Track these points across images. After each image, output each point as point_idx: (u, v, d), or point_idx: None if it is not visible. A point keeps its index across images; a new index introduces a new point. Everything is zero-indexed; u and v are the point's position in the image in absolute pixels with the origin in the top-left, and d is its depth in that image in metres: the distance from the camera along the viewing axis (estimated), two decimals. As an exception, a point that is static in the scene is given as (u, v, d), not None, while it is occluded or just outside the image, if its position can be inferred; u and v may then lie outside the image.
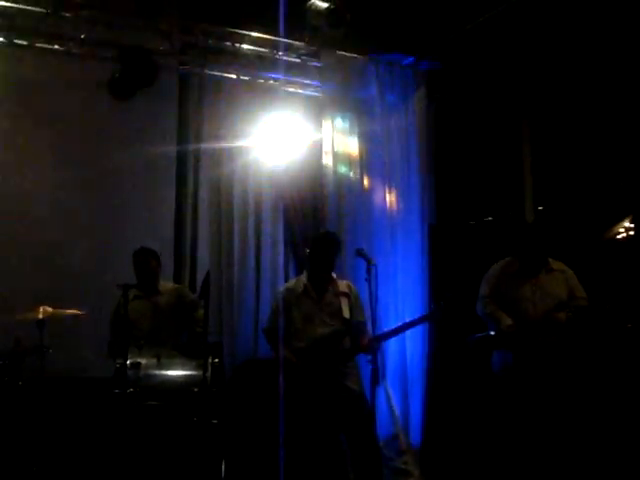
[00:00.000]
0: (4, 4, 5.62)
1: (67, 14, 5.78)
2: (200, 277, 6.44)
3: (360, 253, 4.80)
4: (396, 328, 4.99)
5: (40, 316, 4.95)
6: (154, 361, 4.88)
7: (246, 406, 5.62)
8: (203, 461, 4.85)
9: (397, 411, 6.20)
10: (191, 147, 6.73)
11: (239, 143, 6.53)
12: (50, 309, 5.03)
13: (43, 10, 5.71)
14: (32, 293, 5.28)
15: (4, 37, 5.83)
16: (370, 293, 4.61)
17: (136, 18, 5.99)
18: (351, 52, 6.57)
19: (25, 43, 5.91)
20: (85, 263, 6.21)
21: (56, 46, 5.98)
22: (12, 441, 4.86)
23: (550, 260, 5.33)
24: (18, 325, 5.07)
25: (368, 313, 4.75)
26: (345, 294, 5.02)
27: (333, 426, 4.97)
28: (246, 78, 6.50)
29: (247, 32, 6.29)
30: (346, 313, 4.93)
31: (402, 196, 6.58)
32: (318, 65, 6.55)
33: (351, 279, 5.50)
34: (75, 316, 5.08)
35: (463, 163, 7.01)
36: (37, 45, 5.93)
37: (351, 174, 6.45)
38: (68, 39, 5.95)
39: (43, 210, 6.27)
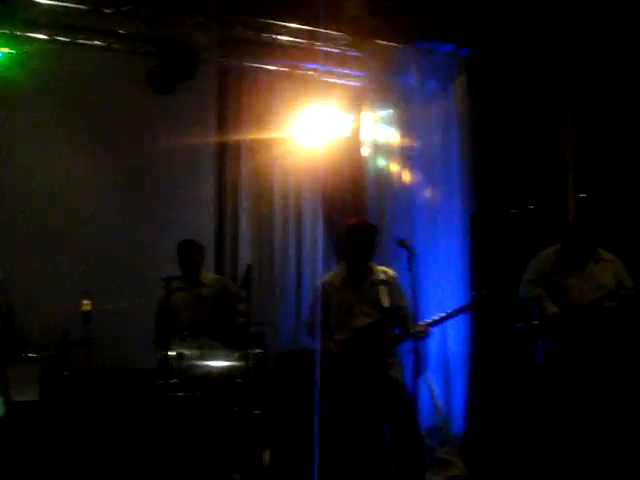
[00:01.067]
0: (46, 2, 5.72)
1: (107, 10, 5.87)
2: (241, 269, 6.48)
3: (401, 243, 4.75)
4: (439, 317, 4.95)
5: (86, 309, 5.04)
6: (197, 352, 4.91)
7: (288, 396, 5.66)
8: (245, 451, 4.88)
9: (439, 401, 6.19)
10: (231, 139, 6.76)
11: (278, 135, 6.57)
12: (95, 302, 5.11)
13: (84, 7, 5.81)
14: (79, 286, 5.35)
15: (46, 34, 5.95)
16: (412, 283, 4.58)
17: (175, 12, 6.05)
18: (390, 41, 6.54)
19: (67, 40, 6.02)
20: (129, 256, 6.28)
21: (97, 42, 6.10)
22: (58, 431, 4.94)
23: (599, 250, 5.23)
24: (65, 317, 5.17)
25: (411, 302, 4.72)
26: (383, 281, 4.95)
27: (375, 416, 4.96)
28: (285, 69, 6.54)
29: (285, 23, 6.31)
30: (385, 301, 4.88)
31: (443, 185, 6.55)
32: (357, 55, 6.54)
33: (393, 269, 5.48)
34: (120, 308, 5.16)
35: (504, 151, 6.91)
36: (78, 41, 6.04)
37: (391, 164, 6.43)
38: (109, 35, 6.06)
39: (87, 204, 6.35)
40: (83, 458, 5.01)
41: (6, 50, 5.74)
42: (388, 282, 4.96)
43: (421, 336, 4.72)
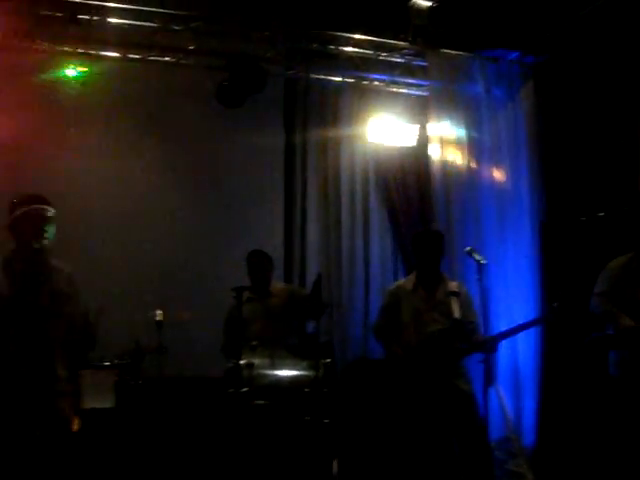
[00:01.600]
0: (118, 21, 5.88)
1: (177, 27, 6.00)
2: (309, 278, 6.55)
3: (471, 252, 4.72)
4: (510, 329, 4.89)
5: (159, 318, 5.15)
6: (267, 361, 4.97)
7: (357, 405, 5.66)
8: (315, 460, 4.89)
9: (509, 412, 6.10)
10: (299, 150, 6.83)
11: (346, 145, 6.61)
12: (168, 311, 5.22)
13: (154, 25, 5.95)
14: (151, 296, 5.48)
15: (118, 52, 6.12)
16: (481, 292, 4.55)
17: (242, 27, 6.14)
18: (456, 50, 6.53)
19: (138, 57, 6.18)
20: (200, 267, 6.42)
21: (167, 58, 6.24)
22: (133, 437, 5.05)
23: None
24: (138, 327, 5.29)
25: (480, 313, 4.69)
26: (455, 293, 4.95)
27: (443, 426, 4.93)
28: (351, 80, 6.57)
29: (350, 35, 6.34)
30: (456, 312, 4.86)
31: (511, 193, 6.49)
32: (423, 64, 6.54)
33: (461, 277, 5.45)
34: (191, 317, 5.25)
35: (573, 157, 6.79)
36: (149, 58, 6.20)
37: (459, 170, 6.40)
38: (178, 51, 6.19)
39: (159, 218, 6.51)
40: (156, 464, 5.10)
41: (80, 69, 5.93)
42: (460, 295, 4.95)
43: (490, 349, 4.68)
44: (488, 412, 4.77)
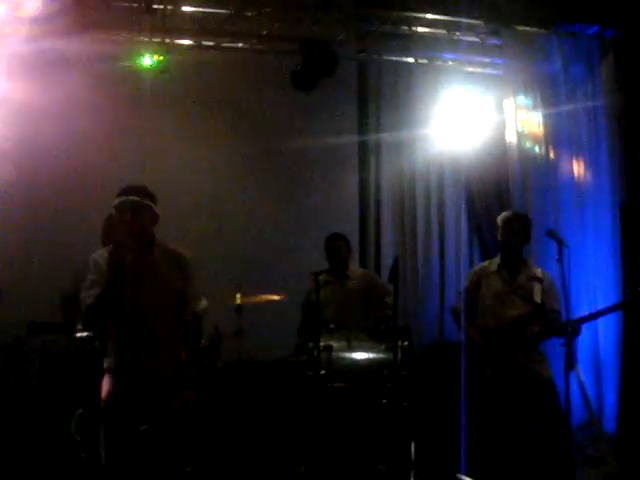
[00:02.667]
0: (191, 9, 5.97)
1: (249, 13, 6.05)
2: (384, 262, 6.55)
3: (551, 234, 4.63)
4: (591, 314, 4.78)
5: (238, 302, 5.22)
6: (345, 344, 4.98)
7: (433, 388, 5.65)
8: (393, 443, 4.90)
9: (590, 397, 5.98)
10: (372, 134, 6.82)
11: (419, 126, 6.55)
12: (246, 295, 5.28)
13: (227, 11, 6.01)
14: (230, 281, 5.53)
15: (192, 40, 6.20)
16: (562, 274, 4.46)
17: (313, 11, 6.14)
18: (532, 27, 6.38)
19: (212, 44, 6.26)
20: (276, 250, 6.48)
21: (240, 44, 6.31)
22: (212, 421, 5.14)
23: None
24: (218, 311, 5.36)
25: (561, 295, 4.60)
26: (538, 279, 4.88)
27: (521, 411, 4.87)
28: (424, 61, 6.53)
29: (422, 14, 6.28)
30: (537, 298, 4.79)
31: (591, 173, 6.32)
32: (498, 43, 6.43)
33: (540, 260, 5.35)
34: (270, 301, 5.30)
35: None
36: (223, 45, 6.27)
37: (537, 152, 6.29)
38: (251, 37, 6.25)
39: (235, 204, 6.59)
40: (236, 447, 5.20)
41: (156, 58, 6.02)
42: (543, 281, 4.87)
43: (572, 333, 4.60)
44: (569, 397, 4.70)
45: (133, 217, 3.79)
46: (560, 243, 4.50)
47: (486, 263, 5.20)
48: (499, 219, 5.09)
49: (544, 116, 6.33)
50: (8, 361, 5.11)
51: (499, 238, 5.07)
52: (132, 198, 3.82)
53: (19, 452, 4.85)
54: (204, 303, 4.05)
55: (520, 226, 4.98)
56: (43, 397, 5.03)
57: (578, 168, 6.32)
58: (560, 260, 4.47)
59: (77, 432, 4.73)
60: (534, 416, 4.82)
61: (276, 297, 5.32)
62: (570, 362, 4.45)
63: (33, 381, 5.10)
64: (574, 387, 5.81)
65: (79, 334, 4.86)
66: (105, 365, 3.93)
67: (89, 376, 4.46)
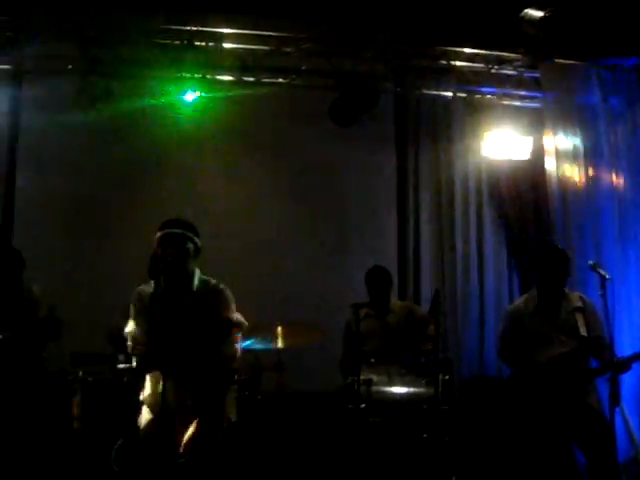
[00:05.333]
0: (232, 46, 6.09)
1: (288, 49, 6.15)
2: (424, 293, 6.53)
3: (594, 267, 4.58)
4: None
5: (279, 337, 5.21)
6: (385, 378, 4.95)
7: (474, 423, 5.57)
8: (434, 478, 4.84)
9: (636, 434, 5.85)
10: (411, 167, 6.82)
11: (458, 160, 6.56)
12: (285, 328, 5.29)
13: (267, 47, 6.12)
14: (271, 314, 5.55)
15: (234, 76, 6.31)
16: (605, 309, 4.40)
17: (352, 46, 6.22)
18: (570, 59, 6.38)
19: (252, 79, 6.37)
20: (316, 283, 6.53)
21: (280, 79, 6.40)
22: (252, 452, 5.13)
23: None
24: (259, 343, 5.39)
25: (603, 320, 4.54)
26: (579, 309, 4.81)
27: (569, 444, 4.78)
28: (462, 95, 6.54)
29: (460, 48, 6.33)
30: (583, 330, 4.72)
31: (632, 206, 6.25)
32: (535, 76, 6.44)
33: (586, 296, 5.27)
34: (310, 334, 5.29)
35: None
36: (263, 80, 6.37)
37: (576, 184, 6.23)
38: (291, 72, 6.35)
39: (275, 238, 6.65)
40: (270, 476, 5.17)
41: (198, 93, 6.13)
42: (584, 310, 4.80)
43: (623, 370, 4.54)
44: (614, 433, 4.61)
45: (175, 250, 3.86)
46: (603, 277, 4.45)
47: (520, 302, 5.08)
48: (538, 253, 5.02)
49: (584, 149, 6.30)
50: (52, 391, 5.17)
51: (536, 273, 5.01)
52: (174, 231, 3.89)
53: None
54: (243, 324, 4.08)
55: (559, 261, 4.87)
56: (84, 427, 5.07)
57: (619, 199, 6.26)
58: (603, 295, 4.42)
59: (116, 463, 4.75)
60: (585, 449, 4.72)
61: (315, 336, 5.29)
62: (615, 398, 4.39)
63: (74, 411, 5.14)
64: (619, 423, 5.70)
65: (121, 365, 4.92)
66: (142, 397, 3.98)
67: (130, 407, 4.48)
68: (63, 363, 5.38)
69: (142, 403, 4.03)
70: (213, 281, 4.06)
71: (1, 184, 6.34)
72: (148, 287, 3.89)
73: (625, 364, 4.53)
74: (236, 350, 4.10)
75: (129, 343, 4.01)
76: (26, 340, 5.10)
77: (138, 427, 3.96)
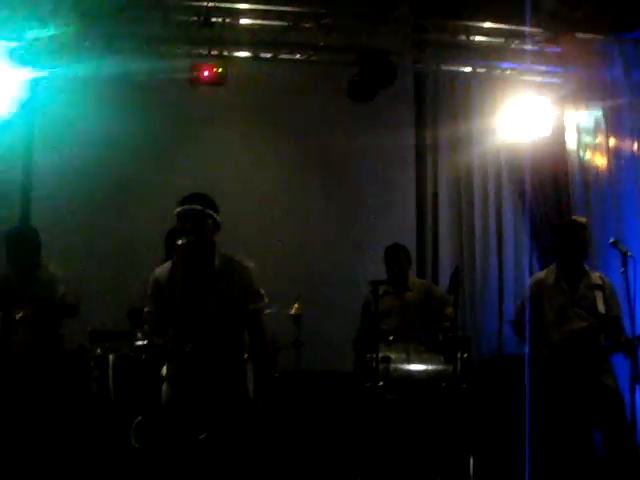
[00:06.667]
0: (249, 22, 6.02)
1: (307, 25, 6.07)
2: (442, 272, 6.50)
3: (615, 244, 4.54)
4: None
5: (296, 312, 5.22)
6: (403, 355, 4.94)
7: (492, 402, 5.56)
8: (451, 456, 4.84)
9: (656, 411, 5.81)
10: (429, 144, 6.78)
11: (477, 136, 6.50)
12: (304, 305, 5.29)
13: (285, 23, 6.05)
14: (288, 290, 5.55)
15: (250, 52, 6.27)
16: (627, 286, 4.36)
17: (370, 21, 6.14)
18: (592, 33, 6.26)
19: (269, 56, 6.31)
20: (333, 261, 6.53)
21: (297, 55, 6.34)
22: (268, 431, 5.15)
23: None
24: (274, 320, 5.38)
25: (625, 308, 4.49)
26: (599, 286, 4.77)
27: (587, 424, 4.76)
28: (482, 70, 6.46)
29: (480, 23, 6.22)
30: (601, 308, 4.69)
31: (655, 182, 6.16)
32: (556, 50, 6.33)
33: (602, 272, 5.23)
34: (327, 311, 5.30)
35: None
36: (280, 57, 6.31)
37: (598, 159, 6.15)
38: (308, 48, 6.28)
39: (291, 213, 6.65)
40: (291, 456, 5.20)
41: (215, 70, 6.10)
42: (604, 288, 4.76)
43: (626, 349, 4.51)
44: (634, 410, 4.59)
45: (194, 226, 3.83)
46: (625, 254, 4.41)
47: (542, 275, 5.06)
48: (557, 227, 4.98)
49: (605, 124, 6.21)
50: (70, 368, 5.21)
51: (556, 247, 4.97)
52: (194, 206, 3.85)
53: (78, 458, 4.93)
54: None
55: (579, 235, 4.83)
56: (103, 404, 5.11)
57: (641, 176, 6.18)
58: (624, 272, 4.38)
59: (136, 439, 4.78)
60: (602, 429, 4.71)
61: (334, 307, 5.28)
62: (635, 375, 4.36)
63: (93, 388, 5.18)
64: (639, 400, 5.66)
65: (139, 342, 4.93)
66: (164, 373, 3.98)
67: (149, 384, 4.50)
68: (82, 340, 5.43)
69: (162, 379, 4.03)
70: (237, 257, 3.99)
71: (19, 159, 6.37)
72: (164, 269, 3.88)
73: (636, 341, 4.48)
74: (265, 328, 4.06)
75: (146, 326, 4.00)
76: (44, 318, 5.13)
77: (158, 404, 3.96)
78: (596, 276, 4.86)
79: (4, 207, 6.07)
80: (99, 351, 5.20)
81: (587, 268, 4.89)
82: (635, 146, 6.18)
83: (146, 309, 3.92)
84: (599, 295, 4.73)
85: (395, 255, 5.59)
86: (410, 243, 6.32)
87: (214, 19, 5.86)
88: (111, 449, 4.90)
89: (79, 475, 4.87)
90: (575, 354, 4.65)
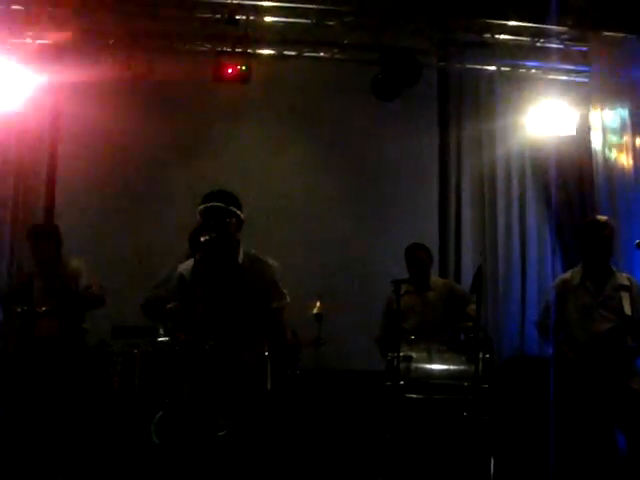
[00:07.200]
0: (273, 19, 6.03)
1: (331, 22, 6.07)
2: (465, 271, 6.47)
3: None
4: None
5: (318, 310, 5.22)
6: (425, 355, 4.92)
7: (513, 403, 5.52)
8: (472, 456, 4.81)
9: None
10: (453, 142, 6.76)
11: (501, 135, 6.46)
12: (326, 304, 5.29)
13: (309, 21, 6.05)
14: (310, 289, 5.55)
15: (275, 49, 6.28)
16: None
17: (395, 20, 6.13)
18: (619, 32, 6.20)
19: (293, 53, 6.33)
20: (356, 259, 6.50)
21: (322, 53, 6.36)
22: (289, 428, 5.15)
23: None
24: (296, 318, 5.38)
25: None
26: (626, 287, 4.71)
27: (611, 427, 4.71)
28: (506, 69, 6.43)
29: (505, 22, 6.18)
30: (627, 309, 4.63)
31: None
32: (582, 49, 6.28)
33: (627, 272, 5.18)
34: (349, 310, 5.29)
35: None
36: (304, 54, 6.33)
37: (623, 159, 6.08)
38: (332, 46, 6.29)
39: (314, 210, 6.65)
40: (312, 455, 5.19)
41: (240, 67, 6.11)
42: (631, 289, 4.71)
43: None
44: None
45: (217, 223, 3.83)
46: (650, 255, 4.37)
47: (567, 276, 4.99)
48: (582, 226, 4.93)
49: (632, 124, 6.14)
50: (93, 363, 5.25)
51: (581, 247, 4.91)
52: (217, 204, 3.86)
53: (99, 453, 4.97)
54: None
55: (603, 234, 4.76)
56: (124, 399, 5.14)
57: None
58: (651, 275, 4.34)
59: (157, 435, 4.81)
60: (625, 430, 4.66)
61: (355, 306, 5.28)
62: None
63: (115, 383, 5.21)
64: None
65: (162, 338, 4.96)
66: (185, 369, 3.99)
67: (170, 380, 4.52)
68: (105, 336, 5.47)
69: (184, 375, 4.05)
70: (262, 256, 3.99)
71: (43, 160, 6.42)
72: (188, 266, 3.89)
73: None
74: (286, 328, 4.07)
75: (169, 323, 4.02)
76: (68, 310, 5.18)
77: (179, 400, 3.98)
78: (623, 277, 4.80)
79: (28, 207, 6.19)
80: (120, 347, 5.24)
81: (614, 269, 4.84)
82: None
83: (169, 305, 3.94)
84: (625, 296, 4.66)
85: (415, 254, 5.55)
86: (433, 242, 6.31)
87: (239, 17, 5.88)
88: (132, 445, 4.93)
89: (99, 469, 4.91)
90: (600, 356, 4.60)
